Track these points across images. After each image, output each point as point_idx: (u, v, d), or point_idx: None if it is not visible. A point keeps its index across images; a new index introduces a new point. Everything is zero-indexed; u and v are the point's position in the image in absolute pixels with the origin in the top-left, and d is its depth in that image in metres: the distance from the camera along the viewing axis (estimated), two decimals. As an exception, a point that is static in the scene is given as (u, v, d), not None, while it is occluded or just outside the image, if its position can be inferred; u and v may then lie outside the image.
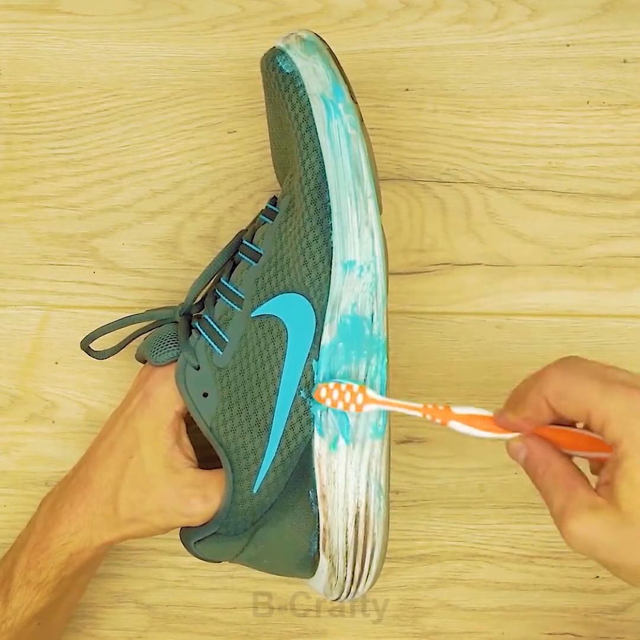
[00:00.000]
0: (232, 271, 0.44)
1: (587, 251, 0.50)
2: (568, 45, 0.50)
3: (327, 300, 0.41)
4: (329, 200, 0.41)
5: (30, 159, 0.51)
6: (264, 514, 0.42)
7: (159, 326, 0.46)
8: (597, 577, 0.50)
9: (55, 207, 0.51)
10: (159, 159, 0.51)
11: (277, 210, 0.43)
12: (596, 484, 0.35)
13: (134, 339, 0.47)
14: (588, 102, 0.50)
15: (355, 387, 0.40)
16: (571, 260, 0.50)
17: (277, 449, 0.41)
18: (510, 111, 0.50)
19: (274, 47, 0.42)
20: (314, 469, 0.41)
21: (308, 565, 0.43)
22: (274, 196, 0.45)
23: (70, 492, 0.44)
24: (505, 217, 0.50)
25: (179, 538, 0.44)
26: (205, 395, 0.42)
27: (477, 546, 0.50)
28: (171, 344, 0.44)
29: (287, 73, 0.41)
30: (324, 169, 0.41)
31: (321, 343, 0.41)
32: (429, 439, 0.50)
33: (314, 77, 0.41)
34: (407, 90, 0.51)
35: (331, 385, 0.40)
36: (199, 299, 0.46)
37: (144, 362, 0.46)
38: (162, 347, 0.44)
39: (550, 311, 0.50)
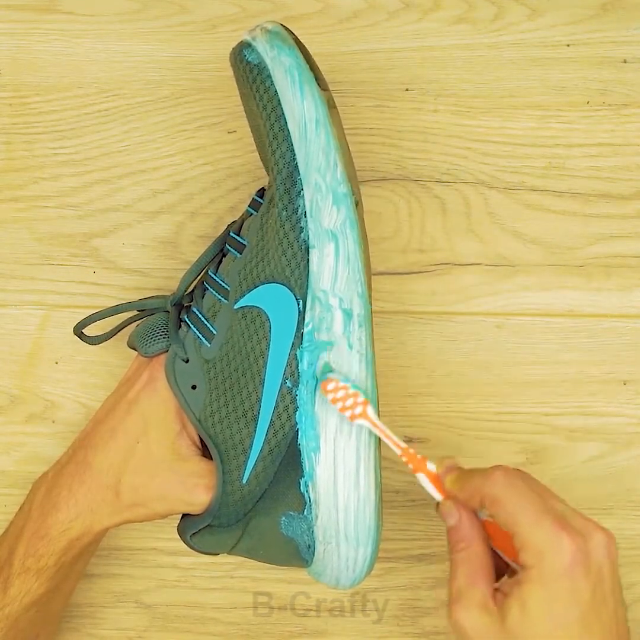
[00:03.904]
0: (220, 263, 0.45)
1: (587, 251, 0.50)
2: (568, 45, 0.50)
3: (308, 288, 0.41)
4: (303, 189, 0.41)
5: (30, 159, 0.51)
6: (255, 505, 0.42)
7: (150, 314, 0.46)
8: (597, 577, 0.50)
9: (55, 207, 0.51)
10: (159, 159, 0.51)
11: (262, 201, 0.44)
12: (499, 583, 0.38)
13: (126, 325, 0.47)
14: (588, 102, 0.50)
15: (361, 397, 0.41)
16: (571, 260, 0.50)
17: (265, 438, 0.42)
18: (510, 111, 0.50)
19: (241, 40, 0.42)
20: (303, 457, 0.42)
21: (304, 553, 0.43)
22: (263, 188, 0.45)
23: (67, 478, 0.44)
24: (505, 217, 0.50)
25: (178, 537, 0.44)
26: (193, 387, 0.43)
27: (477, 546, 0.50)
28: (160, 334, 0.44)
29: (254, 64, 0.41)
30: (295, 158, 0.41)
31: (304, 331, 0.42)
32: (429, 439, 0.50)
33: (280, 66, 0.41)
34: (407, 90, 0.51)
35: (341, 383, 0.41)
36: (190, 290, 0.46)
37: (136, 348, 0.46)
38: (151, 337, 0.44)
39: (550, 311, 0.50)
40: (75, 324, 0.47)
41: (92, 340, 0.47)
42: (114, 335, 0.47)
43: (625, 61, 0.50)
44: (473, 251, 0.50)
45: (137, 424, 0.44)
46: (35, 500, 0.44)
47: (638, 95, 0.50)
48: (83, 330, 0.47)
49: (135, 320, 0.47)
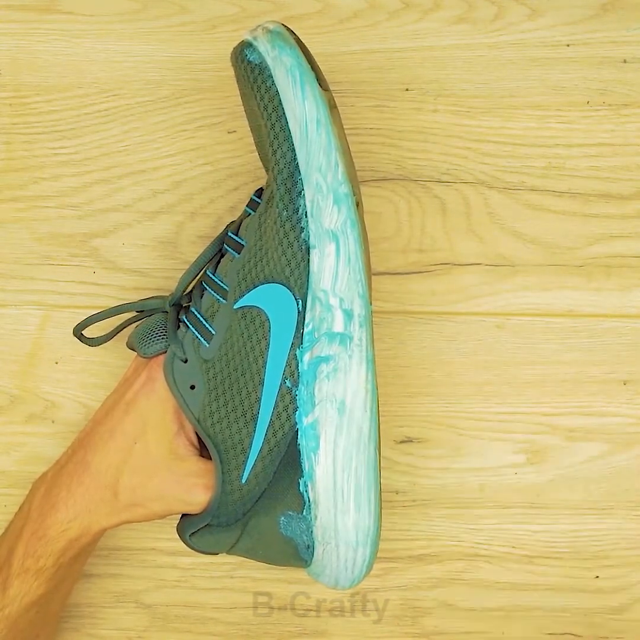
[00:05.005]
0: (218, 263, 0.45)
1: (587, 251, 0.50)
2: (568, 45, 0.50)
3: (308, 288, 0.41)
4: (304, 189, 0.41)
5: (30, 159, 0.51)
6: (254, 504, 0.42)
7: (149, 315, 0.46)
8: (597, 577, 0.50)
9: (55, 207, 0.51)
10: (159, 159, 0.51)
11: (260, 201, 0.44)
12: None
13: (125, 327, 0.47)
14: (588, 102, 0.50)
15: None
16: (571, 260, 0.50)
17: (264, 438, 0.42)
18: (510, 111, 0.50)
19: (243, 40, 0.42)
20: (302, 457, 0.42)
21: (303, 553, 0.43)
22: (261, 188, 0.45)
23: (66, 478, 0.44)
24: (505, 217, 0.50)
25: (178, 537, 0.44)
26: (192, 387, 0.43)
27: (477, 546, 0.50)
28: (159, 335, 0.44)
29: (256, 64, 0.41)
30: (296, 158, 0.41)
31: (304, 331, 0.42)
32: (429, 439, 0.50)
33: (281, 66, 0.41)
34: (407, 90, 0.51)
35: None
36: (188, 290, 0.46)
37: (135, 349, 0.46)
38: (150, 338, 0.44)
39: (550, 311, 0.50)
40: (74, 325, 0.47)
41: (92, 342, 0.47)
42: (114, 336, 0.47)
43: (625, 61, 0.50)
44: (473, 251, 0.50)
45: (136, 424, 0.44)
46: (35, 500, 0.45)
47: (638, 95, 0.50)
48: (82, 332, 0.47)
49: (135, 321, 0.47)
